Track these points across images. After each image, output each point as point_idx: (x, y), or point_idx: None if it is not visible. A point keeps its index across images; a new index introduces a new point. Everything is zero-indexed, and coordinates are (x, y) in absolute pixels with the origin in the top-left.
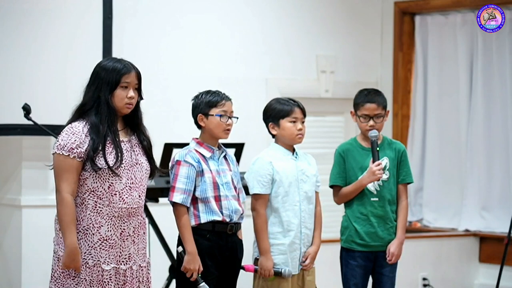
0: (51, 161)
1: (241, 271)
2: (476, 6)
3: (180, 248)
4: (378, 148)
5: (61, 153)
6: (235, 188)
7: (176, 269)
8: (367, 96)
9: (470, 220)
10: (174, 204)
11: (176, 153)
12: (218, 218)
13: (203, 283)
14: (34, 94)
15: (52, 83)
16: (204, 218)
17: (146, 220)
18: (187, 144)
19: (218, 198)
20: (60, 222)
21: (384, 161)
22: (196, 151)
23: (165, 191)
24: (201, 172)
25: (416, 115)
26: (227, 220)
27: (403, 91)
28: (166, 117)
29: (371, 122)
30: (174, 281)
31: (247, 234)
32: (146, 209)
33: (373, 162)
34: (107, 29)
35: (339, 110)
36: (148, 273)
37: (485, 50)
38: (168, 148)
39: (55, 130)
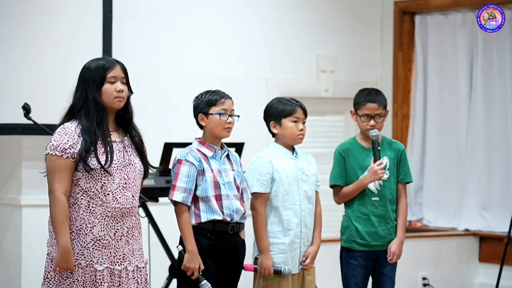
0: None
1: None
2: (476, 6)
3: (180, 247)
4: (379, 148)
5: (53, 154)
6: (237, 188)
7: (177, 268)
8: (368, 96)
9: (470, 219)
10: (175, 203)
11: (178, 153)
12: (219, 217)
13: (205, 281)
14: (34, 94)
15: (52, 83)
16: (205, 217)
17: (141, 220)
18: (187, 143)
19: (219, 198)
20: (52, 222)
21: (385, 161)
22: (198, 150)
23: (165, 191)
24: (202, 171)
25: (416, 114)
26: (228, 219)
27: (403, 91)
28: (166, 117)
29: (372, 122)
30: (174, 281)
31: (247, 234)
32: (146, 209)
33: (374, 161)
34: (107, 28)
35: (339, 110)
36: (146, 274)
37: (485, 50)
38: (168, 148)
39: (55, 130)
